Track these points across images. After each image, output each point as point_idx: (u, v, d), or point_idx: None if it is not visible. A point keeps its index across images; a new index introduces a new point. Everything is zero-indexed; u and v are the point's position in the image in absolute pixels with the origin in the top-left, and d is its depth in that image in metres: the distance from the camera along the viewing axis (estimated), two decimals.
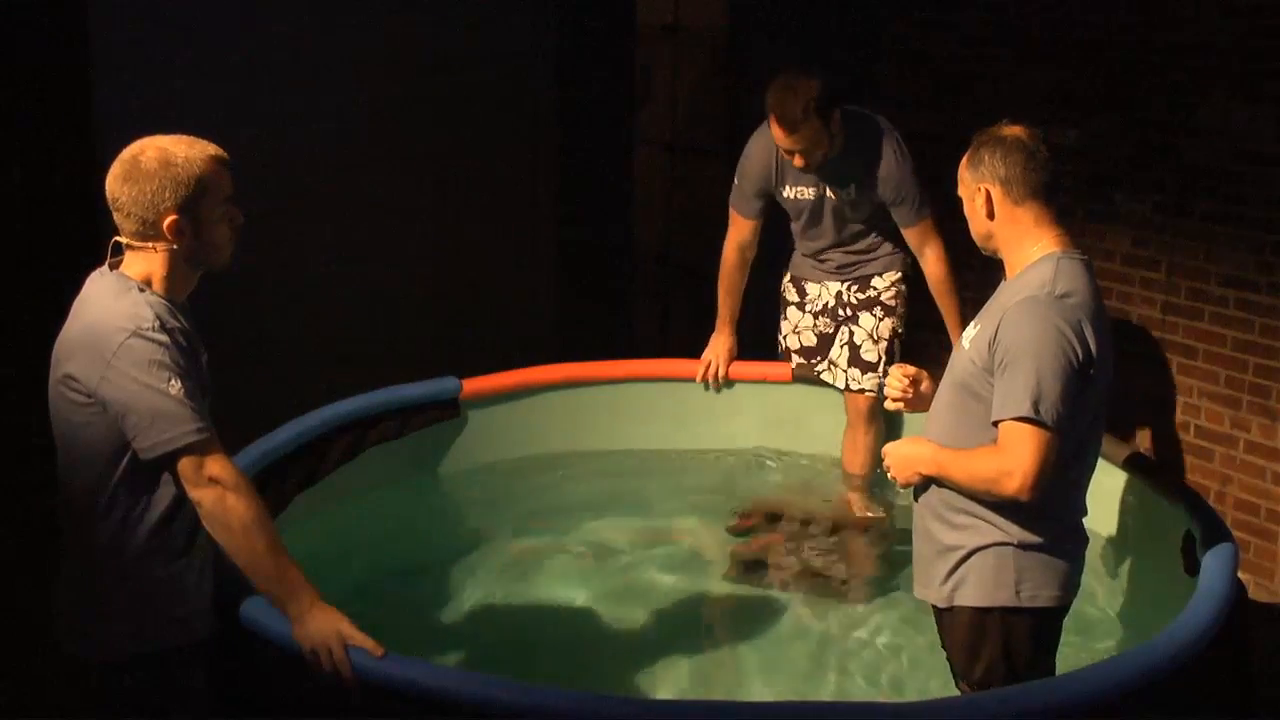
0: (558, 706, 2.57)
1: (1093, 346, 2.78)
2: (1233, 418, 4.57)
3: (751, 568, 4.23)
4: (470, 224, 5.83)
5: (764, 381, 4.80)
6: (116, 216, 2.60)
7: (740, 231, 4.57)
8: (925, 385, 3.20)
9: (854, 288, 4.55)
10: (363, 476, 4.13)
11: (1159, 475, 3.80)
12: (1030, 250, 2.89)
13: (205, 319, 2.76)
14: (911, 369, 3.24)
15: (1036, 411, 2.71)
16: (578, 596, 4.03)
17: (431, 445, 4.42)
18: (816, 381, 4.71)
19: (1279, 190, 4.34)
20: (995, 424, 2.78)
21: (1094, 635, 3.74)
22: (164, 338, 2.53)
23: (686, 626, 3.97)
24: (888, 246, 4.50)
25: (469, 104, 5.71)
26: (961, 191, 2.98)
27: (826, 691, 3.57)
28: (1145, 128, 4.72)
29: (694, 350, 4.79)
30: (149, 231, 2.58)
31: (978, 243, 3.01)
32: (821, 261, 4.58)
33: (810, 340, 4.68)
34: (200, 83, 4.89)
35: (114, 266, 2.64)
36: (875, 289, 4.53)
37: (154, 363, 2.50)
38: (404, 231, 5.61)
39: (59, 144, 4.73)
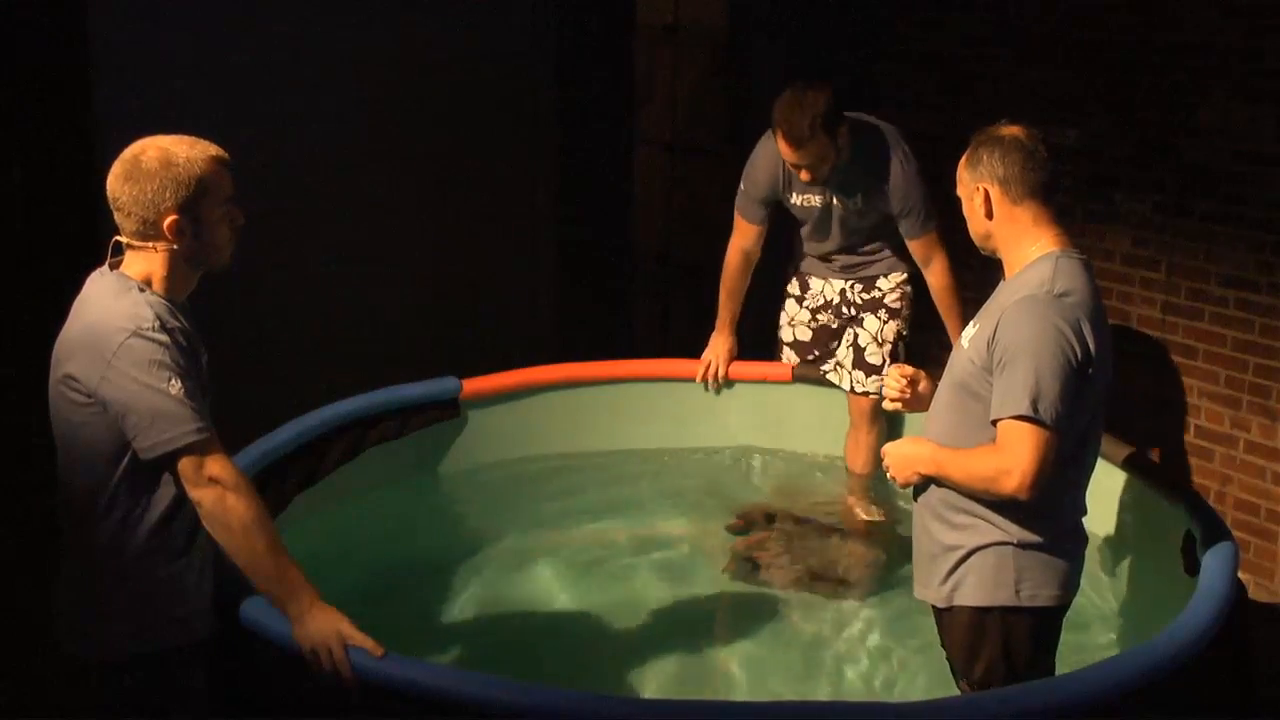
0: (558, 706, 2.57)
1: (1091, 345, 2.78)
2: (1233, 418, 4.57)
3: (751, 567, 4.23)
4: (470, 224, 5.82)
5: (764, 381, 4.80)
6: (117, 216, 2.60)
7: (745, 237, 4.56)
8: (923, 385, 3.20)
9: (859, 287, 4.55)
10: (363, 476, 4.13)
11: (1159, 475, 3.80)
12: (1029, 250, 2.89)
13: (205, 319, 2.76)
14: (909, 369, 3.24)
15: (1035, 410, 2.71)
16: (578, 596, 4.03)
17: (431, 445, 4.42)
18: (817, 382, 4.71)
19: (1279, 190, 4.34)
20: (994, 423, 2.78)
21: (1094, 635, 3.74)
22: (164, 338, 2.53)
23: (686, 626, 3.97)
24: (894, 248, 4.49)
25: (469, 104, 5.70)
26: (960, 191, 2.99)
27: (826, 691, 3.57)
28: (1145, 128, 4.72)
29: (694, 350, 4.79)
30: (149, 231, 2.58)
31: (976, 242, 3.01)
32: (828, 262, 4.58)
33: (804, 335, 4.68)
34: (200, 83, 4.89)
35: (114, 266, 2.64)
36: (880, 289, 4.53)
37: (154, 363, 2.50)
38: (404, 231, 5.61)
39: (59, 144, 4.73)
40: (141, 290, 2.58)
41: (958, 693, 3.04)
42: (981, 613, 2.93)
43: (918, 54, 5.65)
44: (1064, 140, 4.87)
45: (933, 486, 2.97)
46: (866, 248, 4.51)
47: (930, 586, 3.01)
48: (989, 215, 2.92)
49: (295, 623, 2.62)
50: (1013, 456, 2.73)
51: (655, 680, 3.57)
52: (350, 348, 5.29)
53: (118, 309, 2.54)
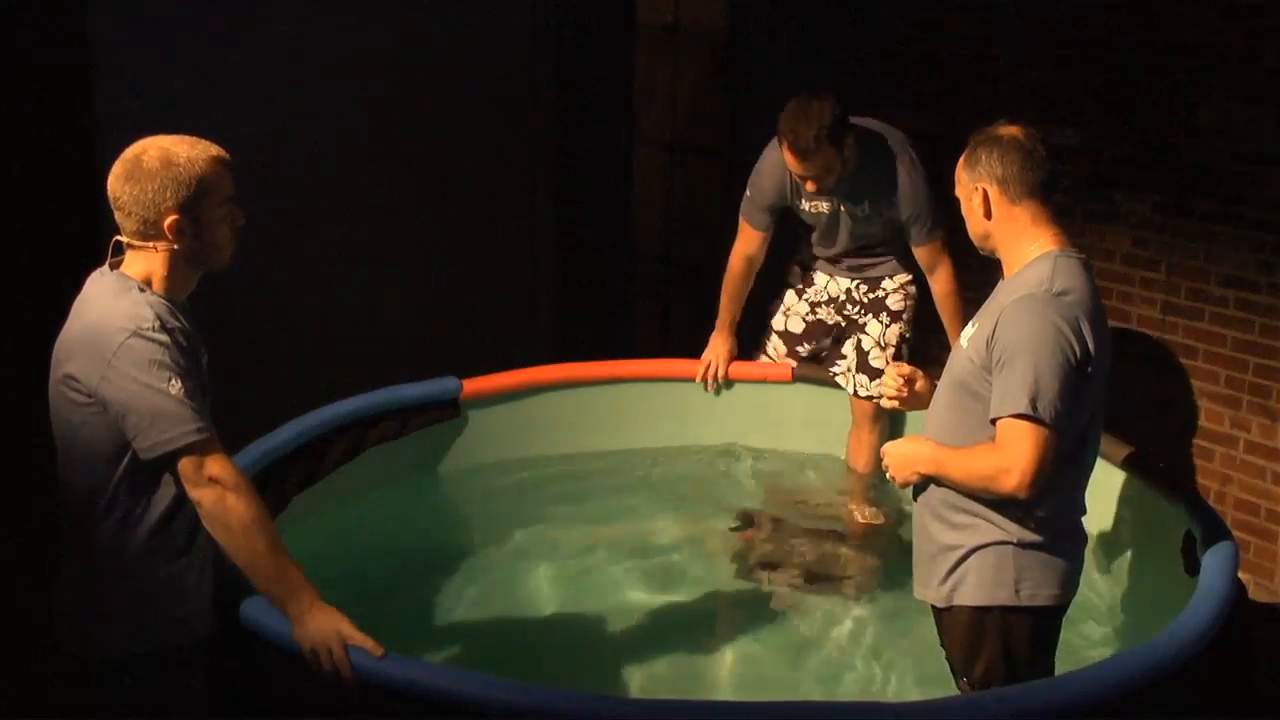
0: (558, 706, 2.57)
1: (1090, 344, 2.78)
2: (1233, 418, 4.57)
3: (751, 567, 4.23)
4: (470, 224, 5.82)
5: (764, 381, 4.80)
6: (118, 215, 2.60)
7: (749, 242, 4.54)
8: (920, 385, 3.21)
9: (864, 287, 4.55)
10: (363, 476, 4.13)
11: (1159, 475, 3.80)
12: (1028, 249, 2.90)
13: (205, 319, 2.76)
14: (907, 368, 3.25)
15: (1034, 409, 2.71)
16: (577, 596, 4.03)
17: (431, 445, 4.42)
18: (818, 382, 4.71)
19: (1279, 190, 4.34)
20: (993, 421, 2.79)
21: (1094, 636, 3.74)
22: (164, 338, 2.53)
23: (686, 626, 3.97)
24: (900, 251, 4.48)
25: (469, 104, 5.70)
26: (958, 191, 2.99)
27: (826, 691, 3.57)
28: (1145, 128, 4.72)
29: (694, 350, 4.79)
30: (150, 231, 2.59)
31: (975, 242, 3.02)
32: (835, 262, 4.59)
33: (797, 327, 4.68)
34: (200, 83, 4.89)
35: (114, 266, 2.64)
36: (884, 289, 4.53)
37: (154, 363, 2.51)
38: (404, 231, 5.60)
39: (59, 144, 4.73)
40: (142, 290, 2.59)
41: (957, 693, 3.04)
42: (981, 612, 2.93)
43: (918, 54, 5.65)
44: (1064, 140, 4.87)
45: (932, 486, 2.97)
46: (874, 251, 4.50)
47: (930, 586, 3.01)
48: (987, 215, 2.92)
49: (295, 623, 2.62)
50: (1012, 455, 2.73)
51: (655, 680, 3.57)
52: (350, 348, 5.29)
53: (118, 309, 2.54)
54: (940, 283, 4.34)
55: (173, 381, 2.51)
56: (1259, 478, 4.51)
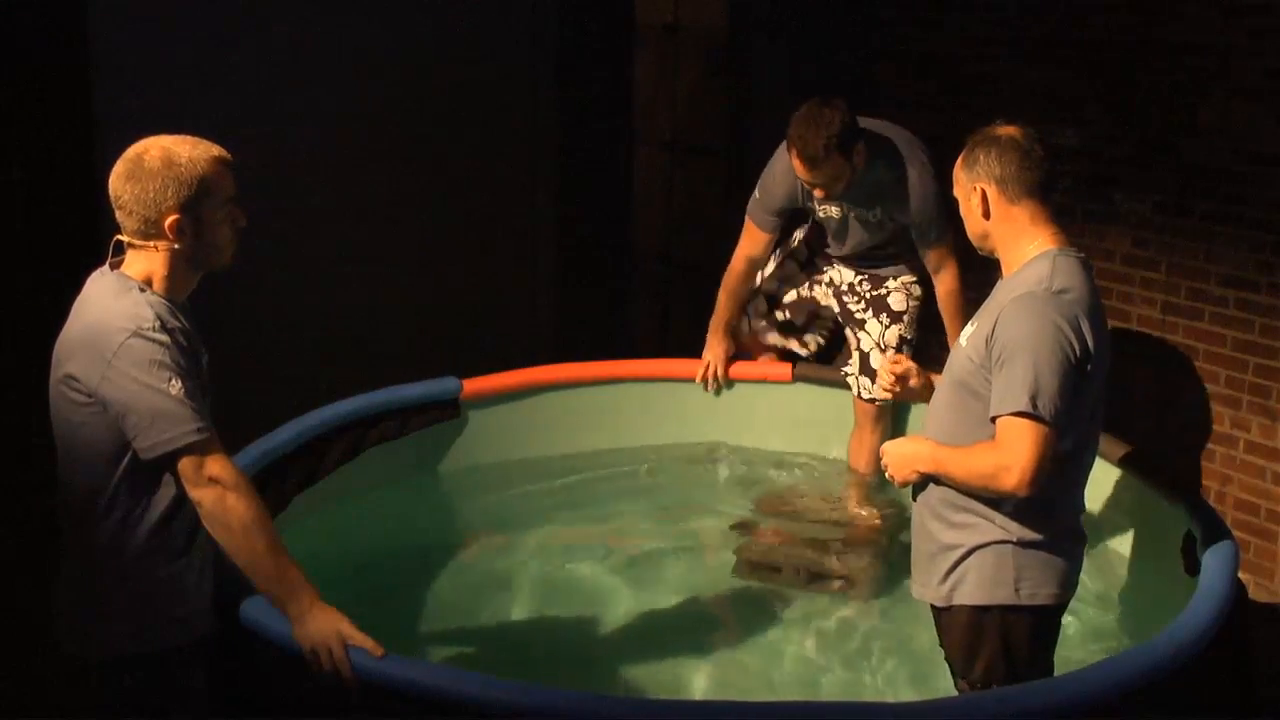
0: (558, 706, 2.57)
1: (1090, 342, 2.79)
2: (1233, 418, 4.57)
3: (751, 567, 4.23)
4: (470, 224, 5.82)
5: (765, 381, 4.80)
6: (119, 215, 2.60)
7: (754, 244, 4.52)
8: (915, 380, 3.23)
9: (867, 284, 4.55)
10: (363, 476, 4.13)
11: (1159, 475, 3.80)
12: (1027, 248, 2.90)
13: (205, 319, 2.76)
14: (901, 365, 3.26)
15: (1034, 406, 2.71)
16: (577, 596, 4.04)
17: (431, 445, 4.42)
18: (818, 382, 4.71)
19: (1279, 190, 4.34)
20: (993, 420, 2.79)
21: (1094, 635, 3.74)
22: (164, 338, 2.53)
23: (686, 626, 3.97)
24: (909, 254, 4.48)
25: (469, 104, 5.70)
26: (957, 192, 2.99)
27: (827, 691, 3.57)
28: (1145, 128, 4.72)
29: (694, 350, 4.79)
30: (150, 230, 2.59)
31: (974, 242, 3.02)
32: (843, 259, 4.59)
33: (789, 295, 4.69)
34: (200, 83, 4.89)
35: (115, 266, 2.64)
36: (887, 288, 4.52)
37: (154, 363, 2.51)
38: (404, 231, 5.61)
39: (59, 144, 4.73)
40: (142, 290, 2.59)
41: (957, 693, 3.04)
42: (981, 612, 2.93)
43: (918, 54, 5.65)
44: (1064, 140, 4.87)
45: (931, 486, 2.97)
46: (883, 251, 4.49)
47: (929, 586, 3.01)
48: (986, 215, 2.92)
49: (295, 623, 2.62)
50: (1012, 453, 2.73)
51: (655, 680, 3.57)
52: (350, 348, 5.29)
53: (118, 309, 2.54)
54: (944, 283, 4.33)
55: (173, 381, 2.51)
56: (1259, 478, 4.51)
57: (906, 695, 3.51)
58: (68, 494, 2.66)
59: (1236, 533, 3.75)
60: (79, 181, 4.49)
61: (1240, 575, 3.21)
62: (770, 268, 4.69)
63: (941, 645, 3.09)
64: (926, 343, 4.72)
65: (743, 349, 4.82)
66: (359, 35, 5.36)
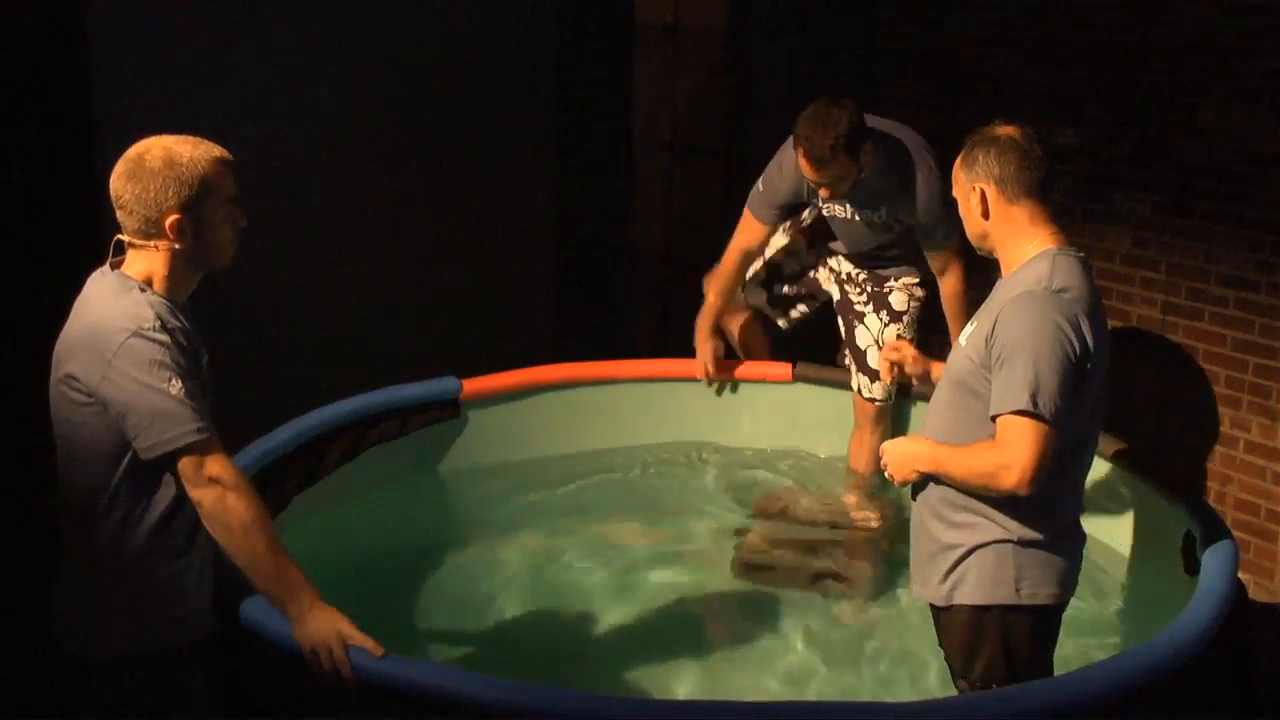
0: (558, 706, 2.57)
1: (1089, 341, 2.79)
2: (1233, 418, 4.57)
3: (751, 567, 4.23)
4: (470, 224, 5.82)
5: (764, 381, 4.80)
6: (120, 214, 2.61)
7: (751, 236, 4.49)
8: (911, 367, 3.32)
9: (870, 282, 4.54)
10: (363, 476, 4.13)
11: (1159, 475, 3.80)
12: (1026, 248, 2.90)
13: (205, 319, 2.76)
14: (899, 353, 3.38)
15: (1035, 405, 2.71)
16: (578, 596, 4.03)
17: (431, 445, 4.42)
18: (818, 381, 4.71)
19: (1279, 190, 4.34)
20: (993, 419, 2.79)
21: (1094, 635, 3.74)
22: (165, 338, 2.53)
23: (686, 626, 3.97)
24: (913, 255, 4.47)
25: (469, 104, 5.70)
26: (956, 192, 2.99)
27: (826, 691, 3.57)
28: (1145, 128, 4.73)
29: (693, 350, 4.78)
30: (151, 230, 2.59)
31: (973, 243, 3.02)
32: (847, 256, 4.59)
33: (792, 266, 4.67)
34: (200, 83, 4.89)
35: (115, 266, 2.64)
36: (889, 286, 4.52)
37: (154, 363, 2.51)
38: (404, 231, 5.61)
39: (59, 144, 4.73)
40: (142, 290, 2.59)
41: (957, 693, 3.04)
42: (981, 611, 2.93)
43: (918, 54, 5.65)
44: (1064, 140, 4.88)
45: (931, 485, 2.97)
46: (889, 250, 4.49)
47: (929, 586, 3.01)
48: (985, 215, 2.92)
49: (295, 623, 2.62)
50: (1012, 452, 2.73)
51: (655, 680, 3.57)
52: (350, 348, 5.29)
53: (118, 309, 2.55)
54: (949, 285, 4.33)
55: (173, 381, 2.52)
56: (1259, 478, 4.51)
57: (906, 695, 3.51)
58: (68, 494, 2.66)
59: (1236, 533, 3.76)
60: (79, 181, 4.49)
61: (1240, 575, 3.21)
62: (781, 240, 4.65)
63: (941, 645, 3.09)
64: (927, 343, 4.71)
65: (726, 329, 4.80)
66: (359, 35, 5.36)
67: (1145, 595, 3.81)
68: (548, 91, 6.00)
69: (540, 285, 6.19)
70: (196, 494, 2.56)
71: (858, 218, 4.32)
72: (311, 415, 3.98)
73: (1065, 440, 2.78)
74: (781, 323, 4.83)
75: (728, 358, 4.81)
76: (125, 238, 2.62)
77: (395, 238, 5.55)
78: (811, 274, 4.71)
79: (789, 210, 4.45)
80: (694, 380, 4.77)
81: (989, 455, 2.78)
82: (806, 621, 3.93)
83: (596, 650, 3.78)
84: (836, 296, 4.64)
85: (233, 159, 2.66)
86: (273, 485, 3.65)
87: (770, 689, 3.58)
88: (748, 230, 4.49)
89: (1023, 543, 2.88)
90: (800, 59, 5.84)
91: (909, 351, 3.44)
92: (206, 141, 2.64)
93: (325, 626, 2.61)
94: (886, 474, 3.04)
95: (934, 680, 3.48)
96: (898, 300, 4.51)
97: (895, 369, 3.31)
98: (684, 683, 3.58)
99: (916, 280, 4.51)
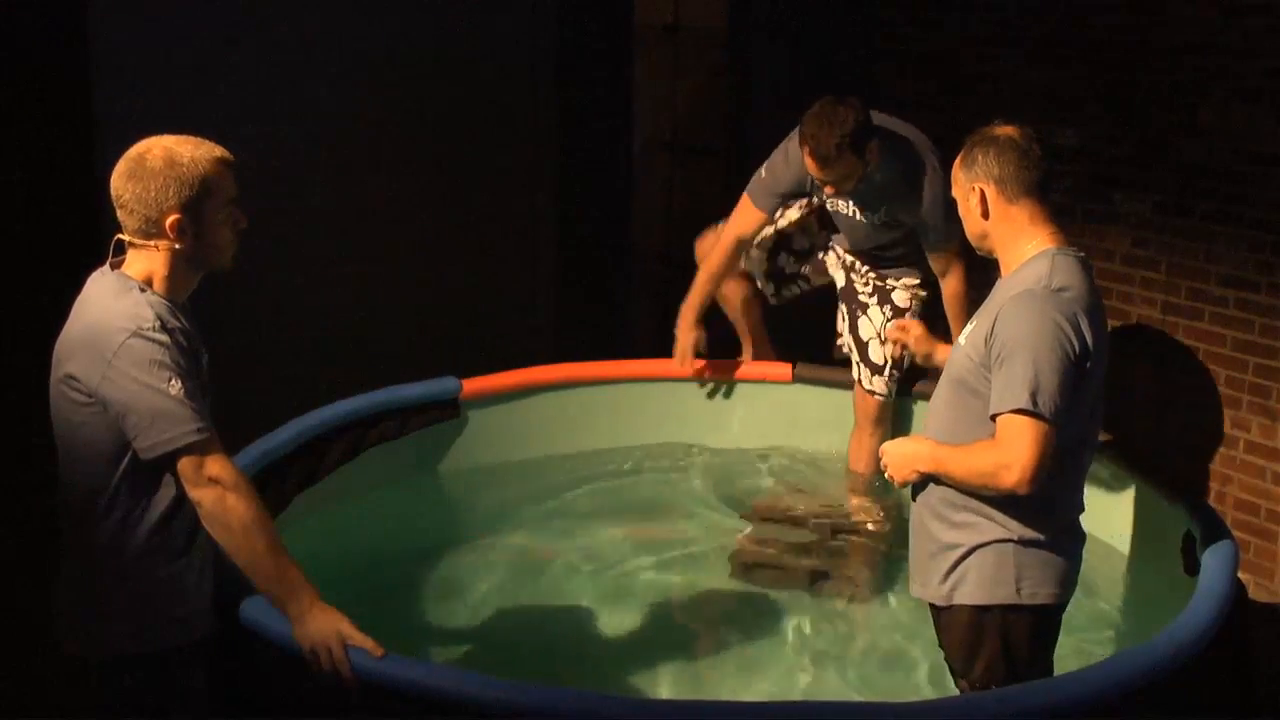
0: (558, 706, 2.57)
1: (1089, 340, 2.79)
2: (1233, 418, 4.57)
3: (752, 568, 4.23)
4: (470, 224, 5.82)
5: (764, 381, 4.80)
6: (120, 214, 2.61)
7: (748, 222, 4.43)
8: (916, 345, 3.47)
9: (873, 278, 4.53)
10: (363, 476, 4.13)
11: (1159, 475, 3.80)
12: (1025, 248, 2.90)
13: (205, 319, 2.76)
14: (907, 333, 3.52)
15: (1034, 404, 2.71)
16: (578, 596, 4.03)
17: (431, 445, 4.42)
18: (818, 382, 4.71)
19: (1279, 190, 4.34)
20: (993, 418, 2.79)
21: (1094, 635, 3.74)
22: (164, 338, 2.53)
23: (686, 626, 3.97)
24: (914, 257, 4.46)
25: (469, 104, 5.70)
26: (955, 192, 3.00)
27: (827, 691, 3.57)
28: (1145, 128, 4.73)
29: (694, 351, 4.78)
30: (151, 230, 2.59)
31: (973, 243, 3.02)
32: (849, 252, 4.58)
33: (802, 243, 4.65)
34: (200, 83, 4.89)
35: (115, 266, 2.64)
36: (891, 284, 4.51)
37: (154, 363, 2.51)
38: (404, 231, 5.61)
39: (59, 144, 4.73)
40: (142, 290, 2.59)
41: (957, 693, 3.04)
42: (981, 611, 2.93)
43: (918, 54, 5.65)
44: (1064, 140, 4.88)
45: (931, 485, 2.97)
46: (892, 250, 4.48)
47: (929, 586, 3.01)
48: (985, 215, 2.93)
49: (295, 623, 2.62)
50: (1012, 451, 2.73)
51: (655, 680, 3.57)
52: (350, 348, 5.29)
53: (118, 309, 2.55)
54: (950, 286, 4.33)
55: (173, 381, 2.52)
56: (1259, 478, 4.51)
57: (906, 695, 3.51)
58: (68, 494, 2.66)
59: (1236, 533, 3.76)
60: (79, 181, 4.49)
61: (1240, 575, 3.21)
62: (794, 215, 4.62)
63: (941, 645, 3.09)
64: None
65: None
66: (359, 35, 5.36)
67: (1145, 595, 3.81)
68: (548, 91, 6.00)
69: (540, 285, 6.19)
70: (196, 494, 2.56)
71: (860, 215, 4.31)
72: (311, 415, 3.98)
73: (1065, 439, 2.78)
74: (771, 297, 4.79)
75: (725, 356, 4.81)
76: (125, 237, 2.62)
77: (395, 238, 5.55)
78: (820, 255, 4.69)
79: (789, 200, 4.44)
80: (694, 381, 4.77)
81: (989, 454, 2.78)
82: (806, 622, 3.93)
83: (596, 650, 3.78)
84: (841, 283, 4.63)
85: (233, 159, 2.66)
86: (273, 485, 3.65)
87: (770, 689, 3.58)
88: (745, 216, 4.44)
89: (1023, 542, 2.88)
90: (800, 59, 5.84)
91: (916, 331, 3.54)
92: (207, 142, 2.64)
93: (325, 626, 2.61)
94: (886, 475, 3.04)
95: (933, 681, 3.48)
96: (900, 298, 4.51)
97: (901, 348, 3.35)
98: (684, 683, 3.58)
99: (917, 282, 4.50)
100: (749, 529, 4.49)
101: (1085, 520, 3.02)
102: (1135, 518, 3.86)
